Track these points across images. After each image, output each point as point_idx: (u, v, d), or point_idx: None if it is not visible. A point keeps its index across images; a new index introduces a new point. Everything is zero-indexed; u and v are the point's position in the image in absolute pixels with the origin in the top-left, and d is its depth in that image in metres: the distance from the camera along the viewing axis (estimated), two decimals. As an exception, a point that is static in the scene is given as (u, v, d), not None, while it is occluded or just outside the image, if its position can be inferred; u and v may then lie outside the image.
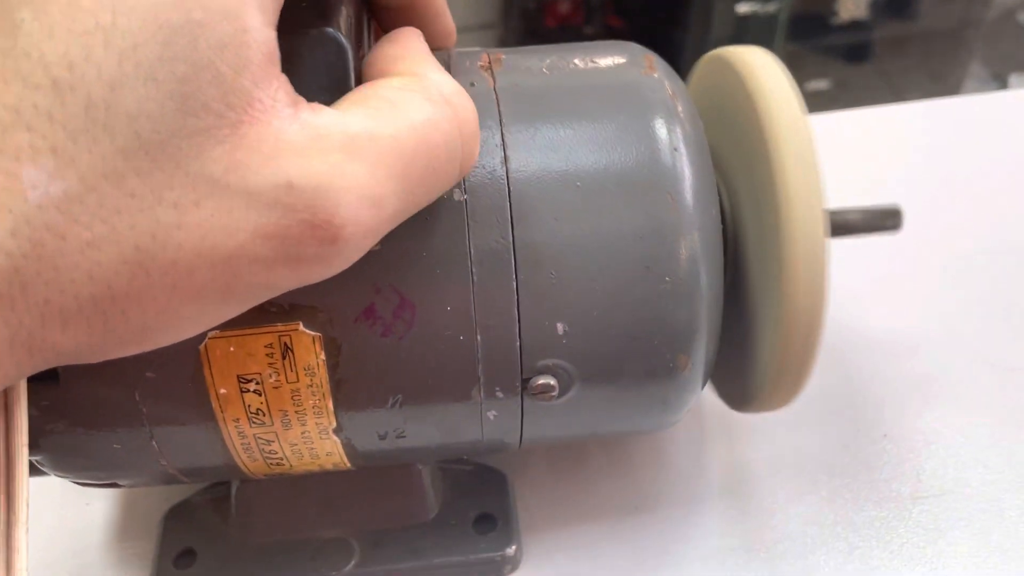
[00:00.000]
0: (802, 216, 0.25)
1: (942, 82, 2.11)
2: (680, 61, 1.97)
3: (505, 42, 1.92)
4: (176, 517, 0.32)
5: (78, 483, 0.28)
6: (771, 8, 1.92)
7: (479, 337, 0.25)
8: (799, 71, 1.91)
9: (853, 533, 0.33)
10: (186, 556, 0.31)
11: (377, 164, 0.19)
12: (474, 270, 0.24)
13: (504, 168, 0.25)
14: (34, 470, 0.27)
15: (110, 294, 0.18)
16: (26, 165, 0.16)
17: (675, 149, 0.25)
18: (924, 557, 0.32)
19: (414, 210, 0.21)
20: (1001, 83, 2.09)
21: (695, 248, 0.25)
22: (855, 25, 2.04)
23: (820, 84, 2.04)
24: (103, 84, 0.16)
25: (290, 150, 0.18)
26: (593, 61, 0.27)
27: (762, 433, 0.36)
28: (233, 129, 0.17)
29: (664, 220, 0.25)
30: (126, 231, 0.17)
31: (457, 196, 0.24)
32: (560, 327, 0.25)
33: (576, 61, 0.28)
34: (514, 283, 0.25)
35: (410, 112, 0.20)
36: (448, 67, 0.27)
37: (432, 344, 0.25)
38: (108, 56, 0.16)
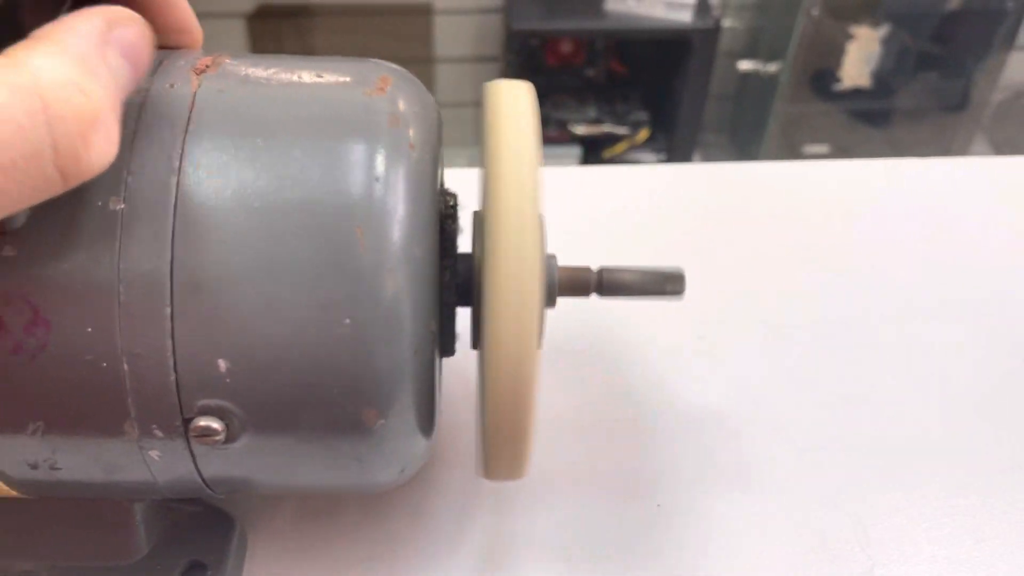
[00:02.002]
0: (510, 274, 0.23)
1: (943, 156, 2.09)
2: (679, 111, 1.96)
3: (506, 76, 1.92)
4: None
5: None
6: (772, 68, 1.91)
7: (126, 366, 0.22)
8: (798, 134, 1.90)
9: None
10: None
11: None
12: (121, 290, 0.22)
13: (175, 180, 0.22)
14: None
15: None
16: None
17: (376, 179, 0.23)
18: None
19: None
20: (1004, 165, 2.06)
21: (391, 290, 0.22)
22: (857, 93, 2.02)
23: (819, 148, 2.02)
24: None
25: None
26: (322, 75, 0.25)
27: (539, 502, 0.33)
28: None
29: (349, 256, 0.22)
30: None
31: (113, 204, 0.22)
32: (222, 364, 0.22)
33: (304, 74, 0.25)
34: (168, 309, 0.22)
35: None
36: (158, 66, 0.24)
37: (70, 369, 0.22)
38: None
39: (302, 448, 0.24)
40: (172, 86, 0.24)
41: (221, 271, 0.22)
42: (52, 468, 0.24)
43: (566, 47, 2.04)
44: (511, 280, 0.22)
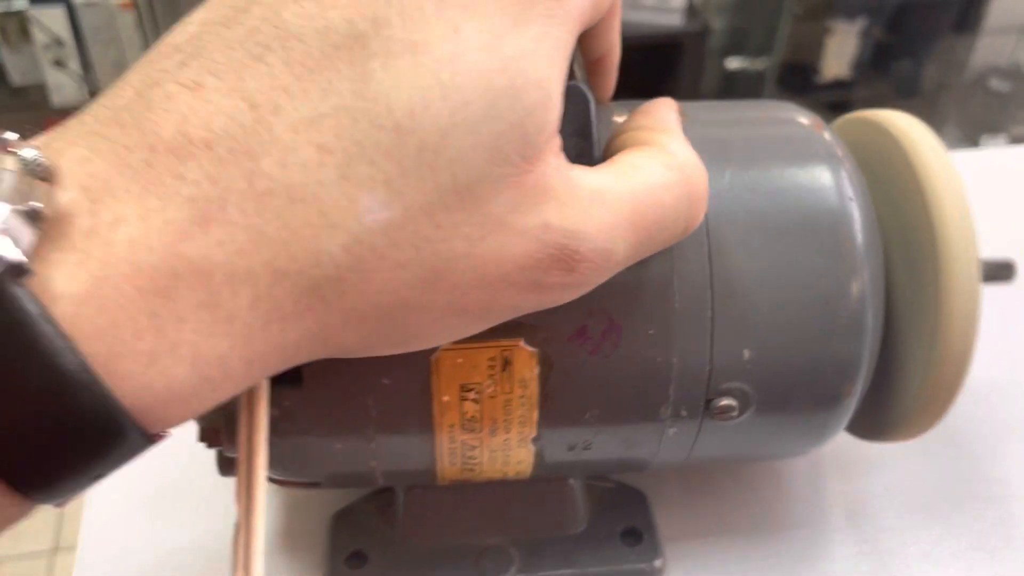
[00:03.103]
0: (960, 267, 0.29)
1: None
2: (670, 111, 2.03)
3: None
4: (343, 522, 0.34)
5: (280, 482, 0.30)
6: (759, 65, 1.99)
7: (675, 359, 0.27)
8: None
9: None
10: (356, 558, 0.33)
11: (615, 213, 0.22)
12: (676, 298, 0.27)
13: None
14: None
15: (402, 306, 0.20)
16: (364, 193, 0.19)
17: (849, 198, 0.28)
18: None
19: (641, 257, 0.24)
20: (972, 144, 2.18)
21: (865, 287, 0.28)
22: (838, 84, 2.11)
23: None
24: (436, 132, 0.19)
25: (551, 196, 0.21)
26: (767, 117, 0.31)
27: (874, 463, 0.39)
28: (520, 177, 0.20)
29: (841, 260, 0.28)
30: (429, 256, 0.20)
31: (664, 232, 0.27)
32: (747, 353, 0.28)
33: (751, 116, 0.31)
34: (710, 311, 0.27)
35: (648, 176, 0.23)
36: None
37: (633, 364, 0.27)
38: (443, 109, 0.19)
39: (785, 421, 0.30)
40: (666, 132, 0.29)
41: (747, 279, 0.28)
42: (584, 448, 0.29)
43: (560, 54, 2.08)
44: (965, 279, 0.29)
